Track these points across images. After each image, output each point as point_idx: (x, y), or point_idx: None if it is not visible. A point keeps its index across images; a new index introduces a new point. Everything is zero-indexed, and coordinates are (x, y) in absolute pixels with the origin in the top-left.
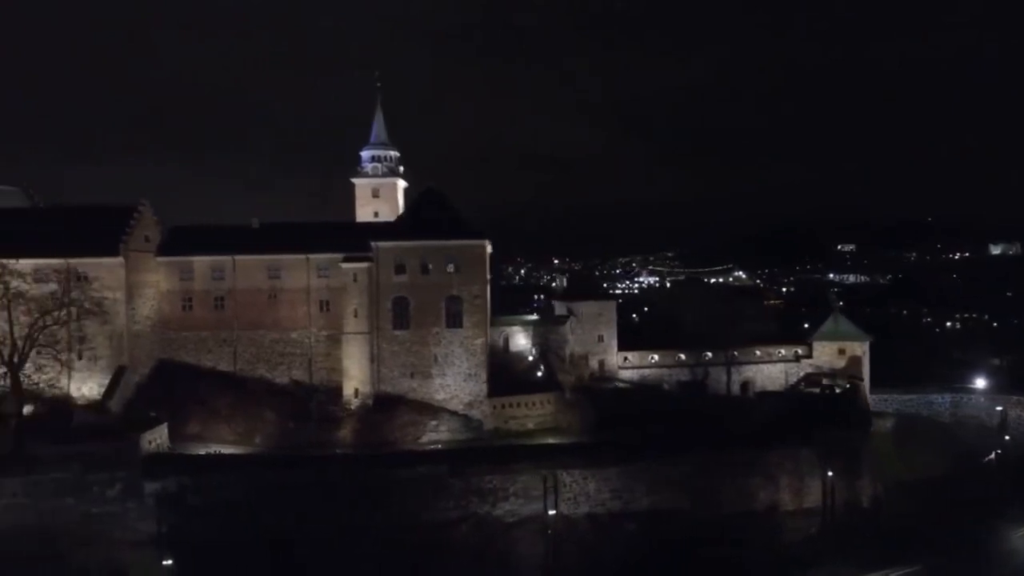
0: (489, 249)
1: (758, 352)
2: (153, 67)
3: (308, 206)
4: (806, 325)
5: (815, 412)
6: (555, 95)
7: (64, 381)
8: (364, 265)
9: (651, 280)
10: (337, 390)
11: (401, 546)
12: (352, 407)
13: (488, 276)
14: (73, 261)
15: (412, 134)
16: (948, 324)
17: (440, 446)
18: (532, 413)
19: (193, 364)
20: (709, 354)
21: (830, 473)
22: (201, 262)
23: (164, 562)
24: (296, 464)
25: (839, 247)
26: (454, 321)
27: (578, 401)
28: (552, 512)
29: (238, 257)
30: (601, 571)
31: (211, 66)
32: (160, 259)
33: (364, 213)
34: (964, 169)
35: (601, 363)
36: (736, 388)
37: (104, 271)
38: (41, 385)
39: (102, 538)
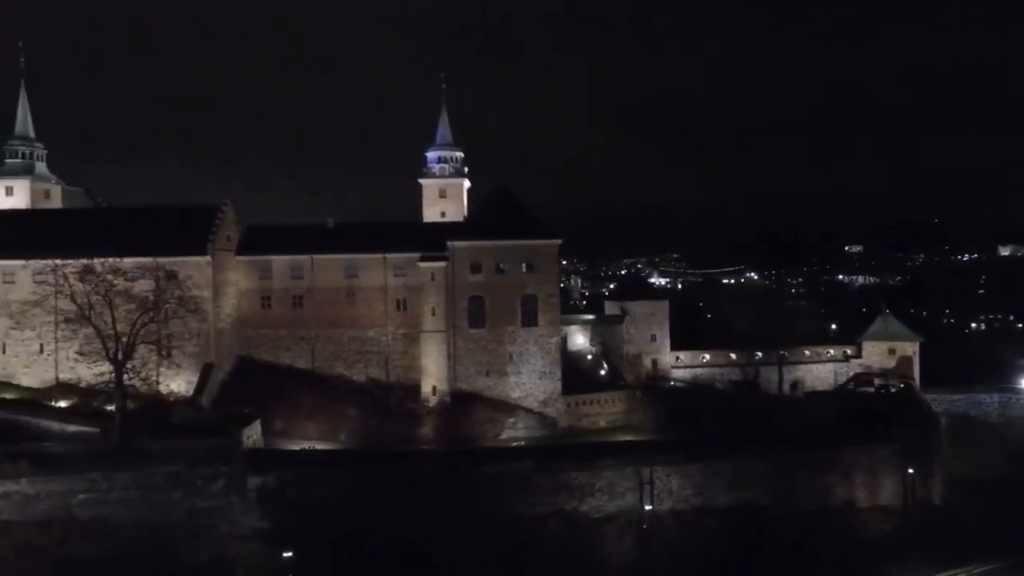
0: None
1: (807, 352)
2: (153, 67)
3: (308, 205)
4: (833, 326)
5: (873, 411)
6: (554, 96)
7: (153, 378)
8: (441, 264)
9: (662, 281)
10: (413, 388)
11: (492, 541)
12: (431, 404)
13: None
14: (163, 260)
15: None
16: (972, 325)
17: (523, 443)
18: (604, 411)
19: (271, 362)
20: (759, 354)
21: (910, 471)
22: (280, 261)
23: (284, 554)
24: (388, 460)
25: (846, 248)
26: (529, 320)
27: (649, 399)
28: (648, 507)
29: (316, 256)
30: (688, 567)
31: (211, 66)
32: (239, 258)
33: (431, 213)
34: (967, 170)
35: (654, 362)
36: (787, 388)
37: (192, 270)
38: (135, 381)
39: (209, 531)
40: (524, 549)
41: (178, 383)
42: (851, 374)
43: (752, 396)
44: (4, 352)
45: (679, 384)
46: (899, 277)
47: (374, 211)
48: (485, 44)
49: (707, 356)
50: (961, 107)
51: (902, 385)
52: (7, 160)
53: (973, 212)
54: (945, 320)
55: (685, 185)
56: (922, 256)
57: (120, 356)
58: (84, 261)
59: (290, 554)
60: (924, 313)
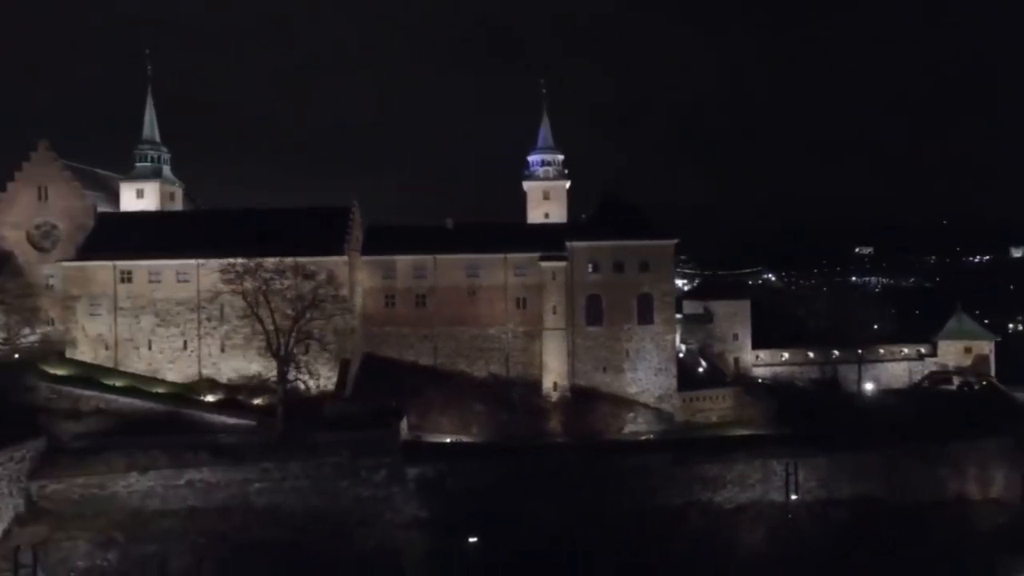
0: None
1: (881, 351)
2: (153, 70)
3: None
4: (875, 326)
5: (964, 408)
6: (555, 98)
7: (294, 373)
8: (561, 264)
9: (681, 283)
10: (533, 383)
11: (635, 530)
12: (553, 400)
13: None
14: (302, 260)
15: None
16: (1011, 325)
17: (651, 436)
18: (715, 407)
19: (395, 358)
20: (836, 352)
21: None
22: (404, 261)
23: (470, 539)
24: (534, 453)
25: (856, 250)
26: (644, 318)
27: (759, 395)
28: (794, 497)
29: (439, 256)
30: (820, 556)
31: (210, 68)
32: (365, 258)
33: (535, 215)
34: (973, 171)
35: (736, 360)
36: (864, 386)
37: (330, 269)
38: (303, 376)
39: (375, 519)
40: (665, 538)
41: (317, 378)
42: (926, 372)
43: (835, 393)
44: (150, 349)
45: (764, 381)
46: (912, 279)
47: (377, 211)
48: (486, 45)
49: (786, 355)
50: (963, 108)
51: (984, 383)
52: (137, 164)
53: (979, 214)
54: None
55: (685, 186)
56: (934, 257)
57: (282, 352)
58: (250, 261)
59: (475, 539)
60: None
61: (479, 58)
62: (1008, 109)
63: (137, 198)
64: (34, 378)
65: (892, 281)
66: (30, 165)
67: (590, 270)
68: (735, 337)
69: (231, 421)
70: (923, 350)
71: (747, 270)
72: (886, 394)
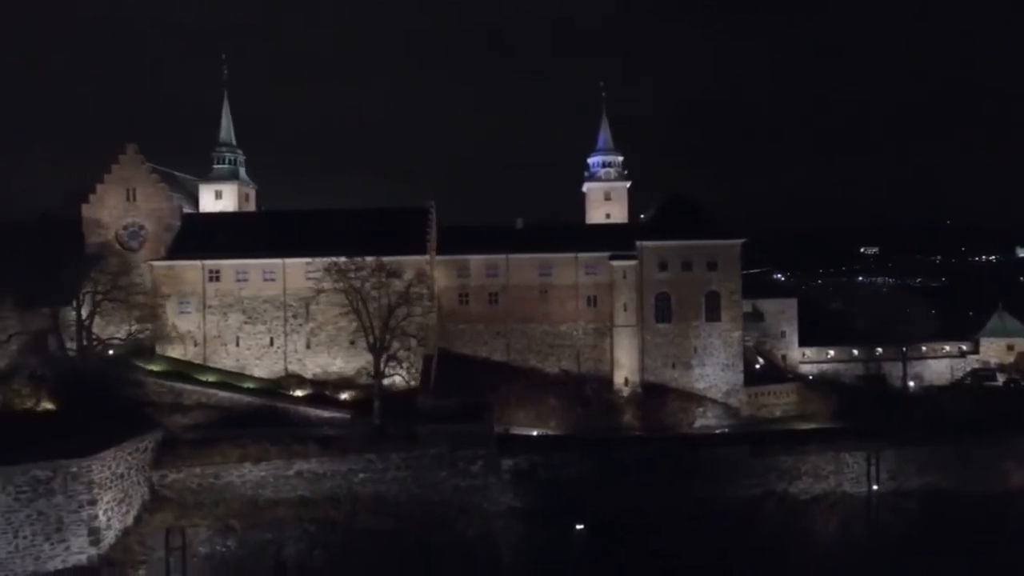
0: None
1: (924, 348)
2: (154, 74)
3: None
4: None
5: (1013, 405)
6: (551, 101)
7: (391, 368)
8: (632, 263)
9: None
10: (603, 379)
11: (716, 519)
12: (624, 395)
13: None
14: (386, 259)
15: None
16: None
17: (727, 429)
18: (778, 402)
19: (469, 355)
20: (879, 350)
21: None
22: (477, 260)
23: (577, 527)
24: (617, 445)
25: (862, 250)
26: (712, 315)
27: (821, 390)
28: (875, 487)
29: (511, 256)
30: (894, 545)
31: (211, 70)
32: (440, 257)
33: (596, 215)
34: (975, 172)
35: (783, 357)
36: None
37: (412, 267)
38: (402, 371)
39: (473, 508)
40: (746, 526)
41: (400, 374)
42: (968, 370)
43: (883, 389)
44: (238, 345)
45: (811, 378)
46: (919, 279)
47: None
48: (485, 49)
49: (831, 352)
50: (966, 110)
51: None
52: (215, 166)
53: (981, 214)
54: None
55: (689, 186)
56: (939, 257)
57: (379, 347)
58: (351, 259)
59: (581, 527)
60: (970, 313)
61: (480, 60)
62: (1011, 109)
63: (216, 199)
64: (140, 373)
65: (899, 281)
66: (119, 168)
67: (659, 269)
68: (782, 335)
69: (326, 414)
70: (964, 347)
71: (755, 270)
72: (929, 390)
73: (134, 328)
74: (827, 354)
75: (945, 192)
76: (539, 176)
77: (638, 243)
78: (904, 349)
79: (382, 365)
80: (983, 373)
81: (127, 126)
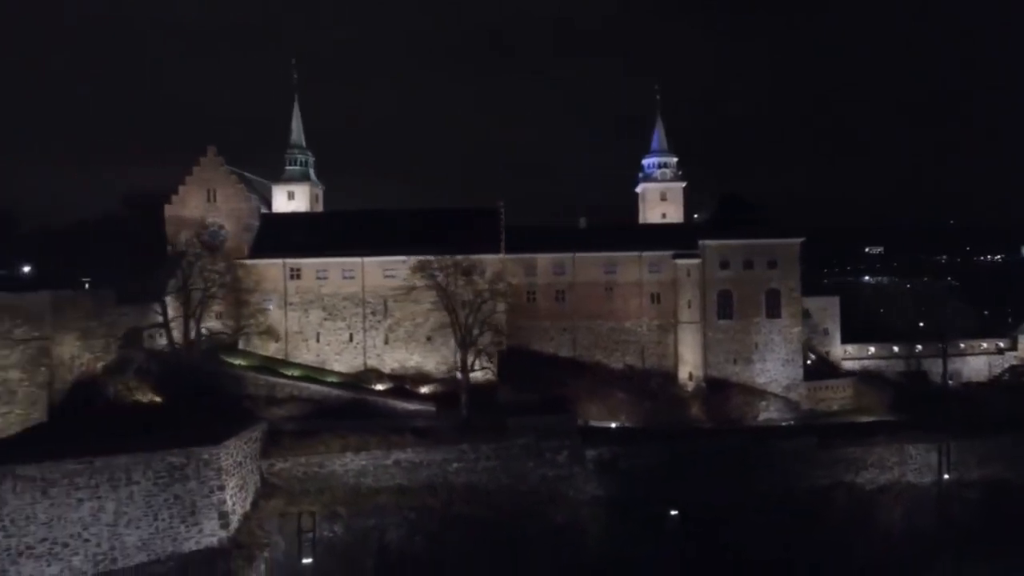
0: None
1: (962, 345)
2: (156, 76)
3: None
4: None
5: None
6: (546, 101)
7: (452, 363)
8: (695, 261)
9: None
10: (666, 374)
11: (787, 509)
12: (689, 389)
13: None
14: (459, 257)
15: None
16: None
17: (791, 423)
18: (835, 396)
19: (536, 350)
20: (919, 347)
21: None
22: (544, 259)
23: (671, 512)
24: (691, 437)
25: (867, 249)
26: (773, 312)
27: (876, 385)
28: (946, 476)
29: (578, 255)
30: (958, 532)
31: (213, 72)
32: (509, 256)
33: (653, 215)
34: (975, 172)
35: (827, 353)
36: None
37: (487, 266)
38: (491, 366)
39: (561, 497)
40: (816, 515)
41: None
42: (1006, 366)
43: (924, 385)
44: (318, 341)
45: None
46: (925, 278)
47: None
48: (485, 49)
49: (872, 348)
50: (966, 112)
51: None
52: (287, 168)
53: (979, 213)
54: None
55: (699, 185)
56: (944, 257)
57: (467, 342)
58: (440, 257)
59: (675, 512)
60: (985, 312)
61: (481, 61)
62: (1011, 108)
63: (288, 200)
64: (238, 368)
65: (903, 281)
66: (200, 169)
67: (721, 267)
68: (825, 332)
69: (412, 407)
70: (1002, 344)
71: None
72: (968, 386)
73: (242, 324)
74: (868, 351)
75: (945, 192)
76: (539, 176)
77: (700, 242)
78: (943, 346)
79: (470, 360)
80: (1021, 369)
81: (127, 126)
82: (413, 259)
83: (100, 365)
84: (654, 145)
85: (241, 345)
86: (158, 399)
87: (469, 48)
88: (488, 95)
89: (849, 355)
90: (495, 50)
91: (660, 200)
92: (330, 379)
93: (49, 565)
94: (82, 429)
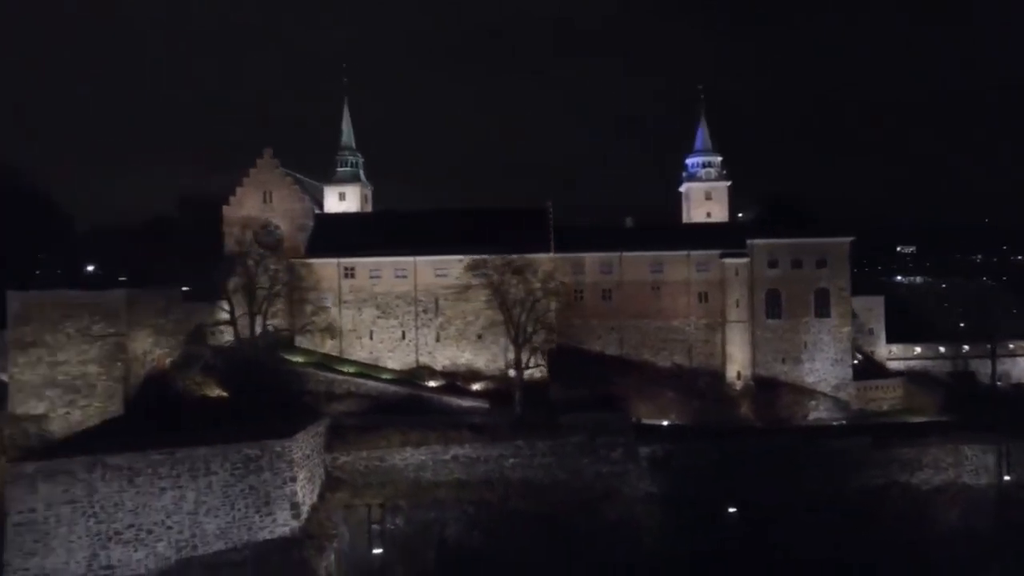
0: None
1: (1011, 345)
2: (158, 77)
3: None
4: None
5: None
6: (545, 102)
7: (502, 361)
8: (743, 261)
9: None
10: (714, 373)
11: (841, 509)
12: (737, 388)
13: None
14: (514, 256)
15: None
16: None
17: (843, 422)
18: (885, 396)
19: (584, 348)
20: (966, 347)
21: None
22: (591, 258)
23: (730, 509)
24: (743, 436)
25: (899, 248)
26: (821, 311)
27: (928, 385)
28: (1007, 478)
29: (625, 254)
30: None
31: (210, 71)
32: (555, 256)
33: (697, 214)
34: (1004, 171)
35: (871, 353)
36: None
37: (538, 265)
38: (542, 364)
39: (615, 493)
40: (870, 515)
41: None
42: None
43: (972, 386)
44: (371, 338)
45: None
46: (960, 278)
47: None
48: (485, 49)
49: (918, 349)
50: (995, 111)
51: None
52: (338, 169)
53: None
54: None
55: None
56: (980, 256)
57: (520, 341)
58: (493, 257)
59: (734, 510)
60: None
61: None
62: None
63: (339, 201)
64: (299, 364)
65: (937, 280)
66: (256, 171)
67: (769, 266)
68: (870, 331)
69: (466, 404)
70: None
71: None
72: (1018, 387)
73: (306, 322)
74: (914, 351)
75: (979, 191)
76: (539, 176)
77: (749, 241)
78: (993, 347)
79: (524, 358)
80: None
81: (127, 126)
82: (467, 258)
83: (168, 361)
84: (698, 145)
85: (297, 342)
86: (224, 393)
87: (469, 48)
88: (488, 95)
89: (894, 355)
90: (495, 50)
91: (705, 199)
92: (384, 376)
93: (136, 551)
94: (157, 421)
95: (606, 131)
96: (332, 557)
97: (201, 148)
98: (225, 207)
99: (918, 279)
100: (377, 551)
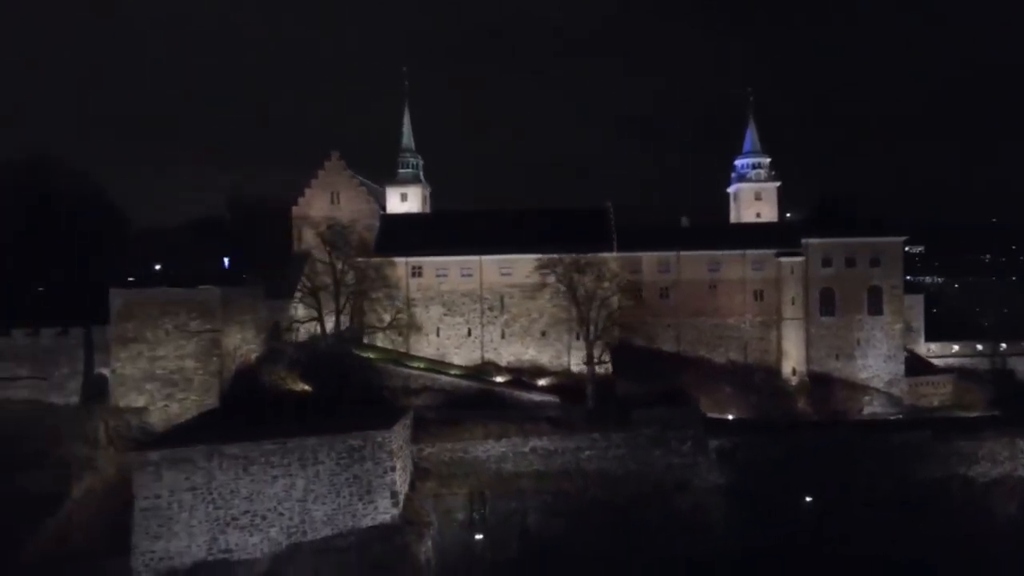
0: None
1: None
2: (160, 78)
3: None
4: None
5: None
6: (544, 100)
7: (566, 358)
8: (799, 259)
9: None
10: (768, 369)
11: (902, 501)
12: (793, 383)
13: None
14: (588, 255)
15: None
16: None
17: (900, 416)
18: (936, 392)
19: (643, 346)
20: (1004, 345)
21: None
22: (649, 257)
23: (806, 498)
24: (804, 430)
25: (907, 248)
26: (875, 309)
27: (978, 381)
28: None
29: (682, 253)
30: None
31: (211, 71)
32: (614, 255)
33: (747, 215)
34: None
35: (913, 350)
36: None
37: (601, 264)
38: (608, 360)
39: (686, 484)
40: (929, 508)
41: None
42: None
43: (1013, 383)
44: (438, 335)
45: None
46: (971, 277)
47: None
48: (485, 49)
49: (956, 347)
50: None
51: None
52: (400, 171)
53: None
54: None
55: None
56: (988, 256)
57: (592, 337)
58: (565, 256)
59: (810, 499)
60: None
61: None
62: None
63: (401, 201)
64: (373, 359)
65: (950, 280)
66: (324, 173)
67: (823, 265)
68: (911, 329)
69: (537, 398)
70: None
71: None
72: None
73: (393, 318)
74: (952, 348)
75: (987, 192)
76: (539, 178)
77: (803, 240)
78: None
79: (596, 353)
80: None
81: (127, 126)
82: (538, 257)
83: (254, 356)
84: (747, 146)
85: (365, 339)
86: (307, 388)
87: (469, 48)
88: (488, 95)
89: (933, 353)
90: (495, 50)
91: (755, 200)
92: (452, 372)
93: (251, 535)
94: (246, 415)
95: (607, 131)
96: (429, 543)
97: (208, 148)
98: (294, 207)
99: (927, 279)
100: (478, 536)
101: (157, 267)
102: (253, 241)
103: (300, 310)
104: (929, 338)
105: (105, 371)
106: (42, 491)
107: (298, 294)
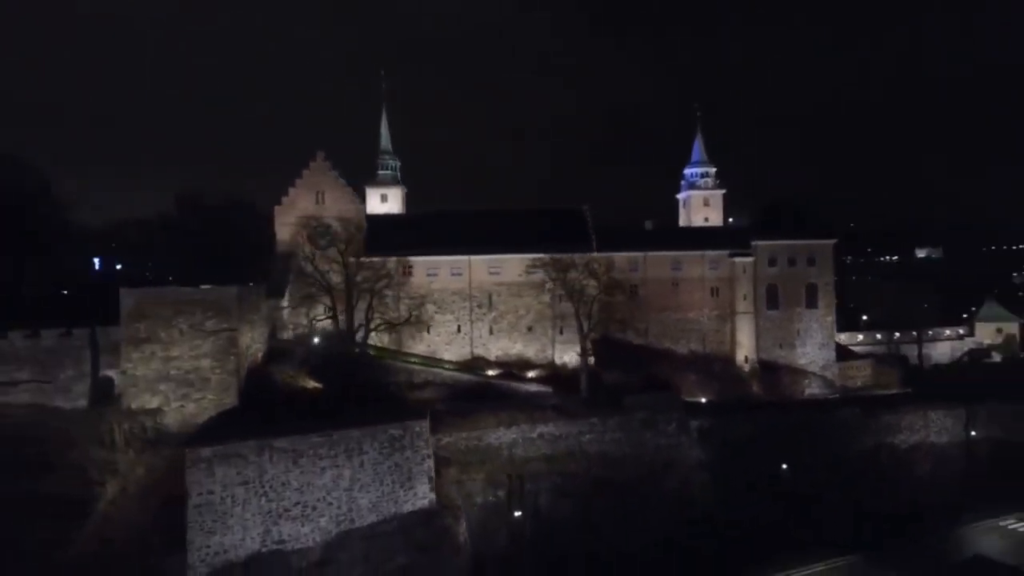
0: None
1: (930, 332)
2: (154, 73)
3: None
4: (864, 317)
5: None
6: (544, 102)
7: (550, 351)
8: (750, 259)
9: None
10: (724, 358)
11: (843, 468)
12: (746, 370)
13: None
14: (578, 256)
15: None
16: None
17: (836, 396)
18: (859, 374)
19: (616, 339)
20: (897, 334)
21: None
22: (620, 257)
23: (783, 466)
24: (768, 410)
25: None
26: (811, 303)
27: (891, 364)
28: (973, 433)
29: (649, 253)
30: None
31: (211, 71)
32: (595, 255)
33: (696, 219)
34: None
35: None
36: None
37: (588, 262)
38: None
39: (673, 462)
40: (868, 469)
41: (570, 356)
42: (965, 350)
43: (904, 366)
44: (429, 332)
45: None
46: (869, 277)
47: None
48: (485, 49)
49: (860, 336)
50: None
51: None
52: (379, 172)
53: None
54: None
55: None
56: (849, 258)
57: (587, 330)
58: (556, 255)
59: (785, 467)
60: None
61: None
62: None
63: (381, 202)
64: (390, 357)
65: (860, 278)
66: (309, 173)
67: (769, 264)
68: None
69: (532, 389)
70: (962, 331)
71: None
72: (937, 367)
73: (411, 316)
74: (857, 338)
75: (925, 192)
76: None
77: (753, 242)
78: (916, 333)
79: (587, 347)
80: (978, 352)
81: (127, 126)
82: (529, 257)
83: (260, 354)
84: (695, 156)
85: (358, 337)
86: (318, 385)
87: (469, 48)
88: (488, 94)
89: (843, 342)
90: (495, 50)
91: (703, 205)
92: (446, 367)
93: (303, 525)
94: (274, 411)
95: (605, 132)
96: (464, 524)
97: (202, 147)
98: (277, 207)
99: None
100: (517, 513)
101: (118, 267)
102: (209, 239)
103: (298, 311)
104: (840, 329)
105: (111, 373)
106: (65, 495)
107: (293, 293)
